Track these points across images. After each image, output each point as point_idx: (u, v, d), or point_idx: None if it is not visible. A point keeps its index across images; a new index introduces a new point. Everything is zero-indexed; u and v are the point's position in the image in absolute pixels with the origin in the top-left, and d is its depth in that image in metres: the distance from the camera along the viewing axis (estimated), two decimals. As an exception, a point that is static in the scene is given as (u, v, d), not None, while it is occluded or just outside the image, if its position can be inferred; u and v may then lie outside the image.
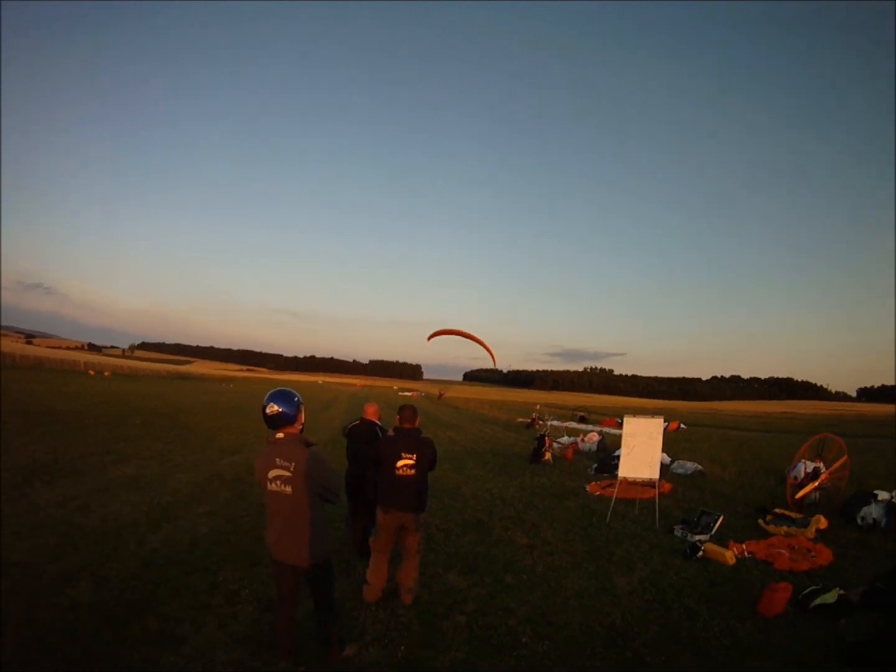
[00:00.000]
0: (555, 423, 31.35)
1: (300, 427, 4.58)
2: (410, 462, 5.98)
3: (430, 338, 10.80)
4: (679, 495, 12.55)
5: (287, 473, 4.33)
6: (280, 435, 4.46)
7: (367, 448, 7.10)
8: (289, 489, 4.35)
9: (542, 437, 18.22)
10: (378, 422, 7.64)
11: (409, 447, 6.03)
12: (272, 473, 4.38)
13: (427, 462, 6.12)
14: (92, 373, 65.93)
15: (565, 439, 22.35)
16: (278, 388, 4.57)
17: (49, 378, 43.22)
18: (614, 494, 10.77)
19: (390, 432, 6.35)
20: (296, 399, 4.53)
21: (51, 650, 4.65)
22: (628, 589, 6.76)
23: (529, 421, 31.26)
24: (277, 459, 4.37)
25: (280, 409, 4.41)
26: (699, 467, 15.78)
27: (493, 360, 10.85)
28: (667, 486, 12.74)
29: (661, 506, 10.39)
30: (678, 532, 9.21)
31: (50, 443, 14.03)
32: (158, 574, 6.41)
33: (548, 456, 17.50)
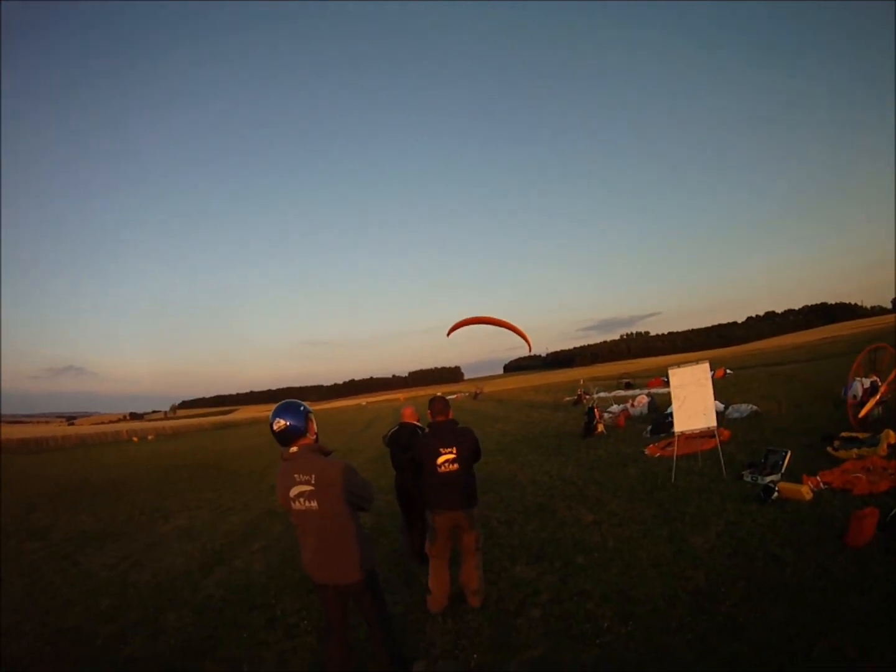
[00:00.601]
0: (602, 394, 30.81)
1: (314, 437, 4.25)
2: (451, 456, 5.62)
3: (449, 332, 10.20)
4: (740, 440, 12.11)
5: (309, 488, 3.99)
6: (294, 449, 4.11)
7: (410, 452, 6.88)
8: (315, 504, 4.01)
9: (591, 409, 17.77)
10: (417, 423, 7.37)
11: (448, 441, 5.69)
12: (294, 491, 4.04)
13: (469, 453, 5.76)
14: (136, 439, 66.25)
15: (615, 408, 21.93)
16: (282, 402, 4.24)
17: (90, 453, 43.53)
18: (675, 452, 10.34)
19: (426, 430, 6.07)
20: (302, 409, 4.18)
21: None
22: (707, 547, 6.35)
23: (576, 398, 30.70)
24: (296, 475, 4.03)
25: (288, 423, 4.06)
26: (754, 408, 15.35)
27: (529, 345, 10.15)
28: (726, 433, 12.24)
29: (724, 454, 9.90)
30: (748, 477, 8.78)
31: (98, 512, 14.00)
32: (215, 618, 6.30)
33: (600, 428, 17.08)
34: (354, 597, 4.23)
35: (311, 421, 4.23)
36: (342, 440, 30.01)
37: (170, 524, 11.72)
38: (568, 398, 35.14)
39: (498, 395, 63.45)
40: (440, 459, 5.60)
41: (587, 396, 25.83)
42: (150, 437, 67.85)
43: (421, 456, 5.77)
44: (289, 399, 4.27)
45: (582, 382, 33.71)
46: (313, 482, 3.97)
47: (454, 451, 5.62)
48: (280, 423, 4.05)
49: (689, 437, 10.97)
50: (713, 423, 9.88)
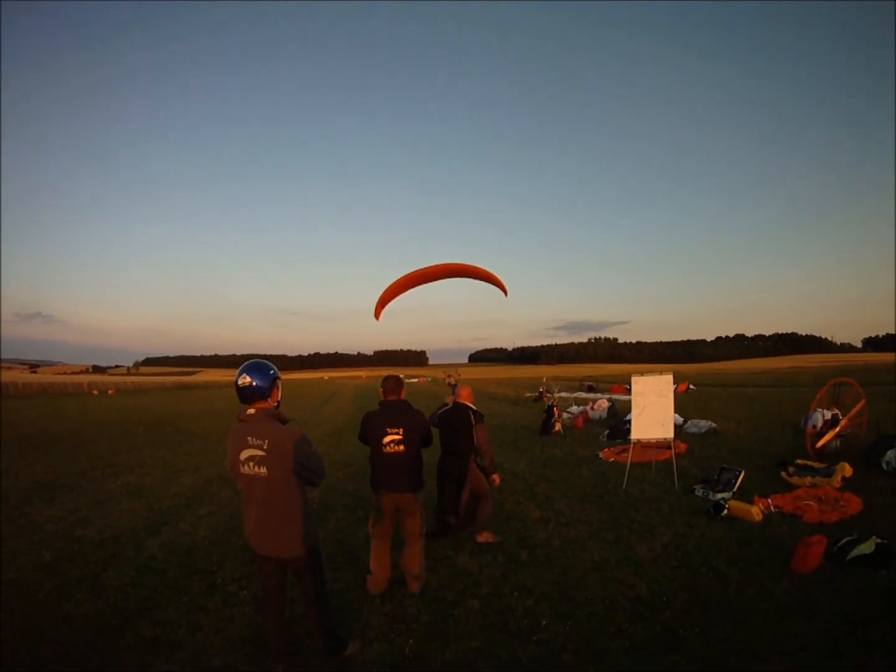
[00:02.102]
0: (563, 394, 30.86)
1: (275, 404, 4.06)
2: (398, 437, 5.45)
3: (377, 313, 8.10)
4: (695, 454, 12.13)
5: (261, 453, 3.81)
6: (251, 411, 3.93)
7: (462, 435, 6.83)
8: (264, 471, 3.83)
9: (551, 408, 17.75)
10: (472, 405, 7.11)
11: (396, 421, 5.50)
12: (244, 454, 3.86)
13: (417, 436, 5.56)
14: (96, 392, 65.15)
15: (574, 409, 21.93)
16: (252, 360, 4.08)
17: (51, 402, 42.51)
18: (629, 459, 10.29)
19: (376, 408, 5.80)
20: (271, 372, 4.02)
21: (44, 664, 4.42)
22: (651, 556, 6.28)
23: (537, 394, 30.70)
24: (249, 438, 3.85)
25: (253, 382, 3.90)
26: (713, 425, 15.41)
27: (503, 290, 8.38)
28: (682, 446, 12.23)
29: (678, 466, 9.90)
30: (699, 492, 8.75)
31: (51, 463, 13.72)
32: (156, 579, 6.13)
33: (558, 426, 17.04)
34: (294, 571, 4.09)
35: (277, 387, 4.08)
36: (303, 412, 29.74)
37: (120, 480, 11.57)
38: (529, 394, 35.28)
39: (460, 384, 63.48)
40: (386, 439, 5.46)
41: (548, 395, 25.83)
42: (110, 392, 66.29)
43: (368, 434, 5.62)
44: (259, 359, 4.12)
45: (545, 380, 33.78)
46: (265, 447, 3.81)
47: (400, 433, 5.47)
48: (245, 380, 3.91)
49: (645, 445, 10.93)
50: (671, 434, 9.87)
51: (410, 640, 4.62)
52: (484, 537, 6.89)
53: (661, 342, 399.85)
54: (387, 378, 5.80)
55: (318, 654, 4.36)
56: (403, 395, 5.74)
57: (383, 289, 7.94)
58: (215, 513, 8.87)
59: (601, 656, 4.28)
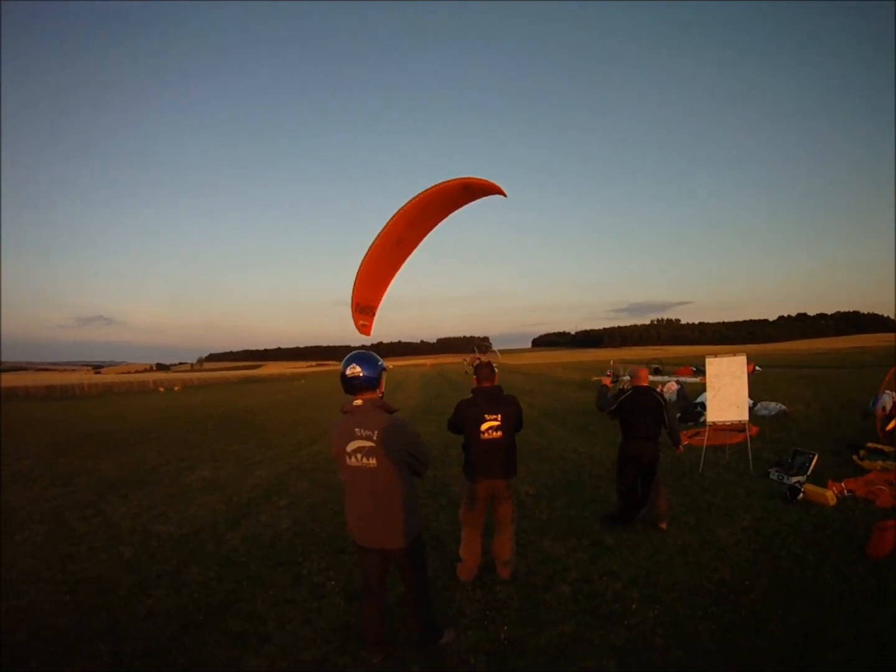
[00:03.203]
0: (626, 377, 30.27)
1: (381, 394, 4.06)
2: (496, 423, 5.36)
3: (368, 328, 6.41)
4: (767, 437, 11.97)
5: (370, 444, 3.80)
6: (358, 402, 3.92)
7: (652, 418, 6.90)
8: (373, 461, 3.81)
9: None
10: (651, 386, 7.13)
11: (493, 407, 5.41)
12: (352, 446, 3.85)
13: (513, 421, 5.50)
14: (162, 389, 64.46)
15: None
16: (358, 351, 4.07)
17: (116, 401, 41.91)
18: (704, 442, 10.26)
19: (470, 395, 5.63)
20: (379, 363, 4.04)
21: (127, 661, 4.39)
22: (733, 540, 6.31)
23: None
24: (357, 429, 3.83)
25: (363, 373, 3.90)
26: (782, 407, 15.15)
27: (502, 192, 6.79)
28: (754, 429, 12.04)
29: (752, 449, 9.79)
30: (774, 475, 8.70)
31: (122, 460, 13.59)
32: (240, 572, 6.13)
33: (629, 409, 16.85)
34: (397, 562, 4.09)
35: (383, 378, 4.10)
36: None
37: (195, 475, 11.50)
38: (596, 377, 34.87)
39: (525, 369, 62.60)
40: (485, 426, 5.36)
41: (616, 378, 25.51)
42: (176, 388, 65.92)
43: (463, 422, 5.50)
44: (364, 350, 4.09)
45: (612, 363, 33.44)
46: (375, 438, 3.79)
47: (498, 419, 5.38)
48: (355, 370, 3.91)
49: (718, 428, 10.89)
50: (745, 416, 9.80)
51: (505, 627, 4.61)
52: (665, 524, 6.79)
53: (723, 322, 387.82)
54: (481, 365, 5.69)
55: (413, 644, 4.34)
56: (497, 381, 5.65)
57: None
58: (295, 504, 8.84)
59: (690, 640, 4.33)
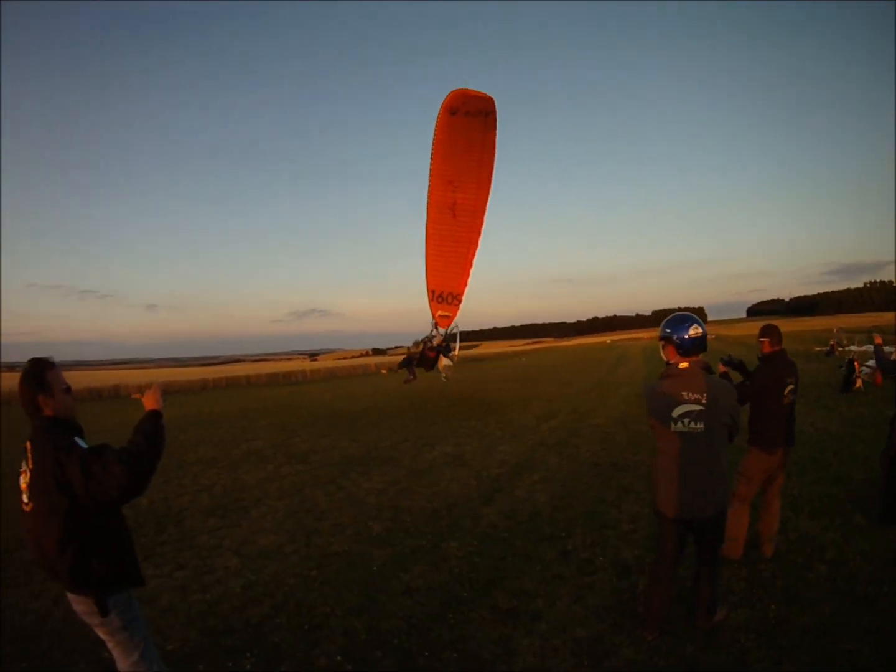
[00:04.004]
0: (858, 347, 27.99)
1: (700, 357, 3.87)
2: (792, 386, 5.03)
3: (448, 319, 5.90)
4: None
5: (699, 408, 3.64)
6: (684, 364, 3.76)
7: None
8: (700, 426, 3.65)
9: (851, 362, 16.31)
10: None
11: (790, 370, 5.07)
12: (678, 411, 3.68)
13: (797, 387, 5.16)
14: (384, 371, 61.67)
15: (872, 362, 19.91)
16: (679, 313, 3.89)
17: (339, 385, 40.36)
18: None
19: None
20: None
21: (387, 639, 4.30)
22: None
23: (828, 348, 28.05)
24: (685, 393, 3.67)
25: (703, 331, 3.76)
26: None
27: (486, 95, 6.25)
28: None
29: None
30: None
31: (357, 438, 13.54)
32: (503, 548, 5.96)
33: (859, 383, 15.80)
34: (702, 532, 3.93)
35: None
36: (600, 374, 29.83)
37: (437, 451, 11.38)
38: (819, 348, 32.30)
39: (742, 340, 59.03)
40: (787, 390, 5.02)
41: (840, 348, 23.68)
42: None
43: (763, 386, 5.07)
44: (682, 312, 3.92)
45: (835, 331, 30.90)
46: (704, 401, 3.65)
47: (793, 383, 5.07)
48: (697, 330, 3.78)
49: None
50: None
51: (772, 606, 4.38)
52: None
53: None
54: (769, 326, 5.24)
55: (683, 620, 4.19)
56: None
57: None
58: (548, 478, 8.65)
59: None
